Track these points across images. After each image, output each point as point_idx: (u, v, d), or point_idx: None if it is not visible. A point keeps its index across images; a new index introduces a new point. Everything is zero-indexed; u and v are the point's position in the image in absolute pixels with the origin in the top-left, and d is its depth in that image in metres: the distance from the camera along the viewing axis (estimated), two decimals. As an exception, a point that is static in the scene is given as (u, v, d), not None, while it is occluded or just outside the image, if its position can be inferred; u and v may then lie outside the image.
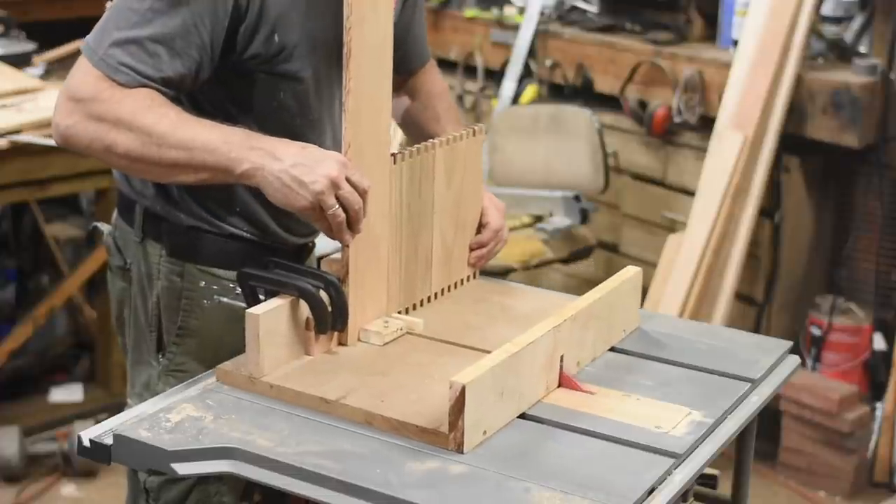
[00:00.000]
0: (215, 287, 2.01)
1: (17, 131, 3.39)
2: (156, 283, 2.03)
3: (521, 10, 4.59)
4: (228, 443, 1.63)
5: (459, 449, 1.61)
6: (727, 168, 3.76)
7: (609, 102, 4.28)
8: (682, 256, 3.82)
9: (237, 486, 1.98)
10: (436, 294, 2.10)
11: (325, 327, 1.84)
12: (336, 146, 1.96)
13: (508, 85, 4.53)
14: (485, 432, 1.65)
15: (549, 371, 1.79)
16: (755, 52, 3.78)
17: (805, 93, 3.76)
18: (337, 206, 1.77)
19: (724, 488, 2.09)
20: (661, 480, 1.60)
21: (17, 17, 4.19)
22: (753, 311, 3.96)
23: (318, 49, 1.94)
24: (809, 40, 3.80)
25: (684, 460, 1.66)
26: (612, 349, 1.98)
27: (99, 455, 1.67)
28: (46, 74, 3.92)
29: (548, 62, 4.44)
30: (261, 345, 1.76)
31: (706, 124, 3.93)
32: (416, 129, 2.27)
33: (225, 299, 1.98)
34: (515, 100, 4.50)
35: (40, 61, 3.99)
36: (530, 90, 4.46)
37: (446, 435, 1.62)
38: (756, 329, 3.86)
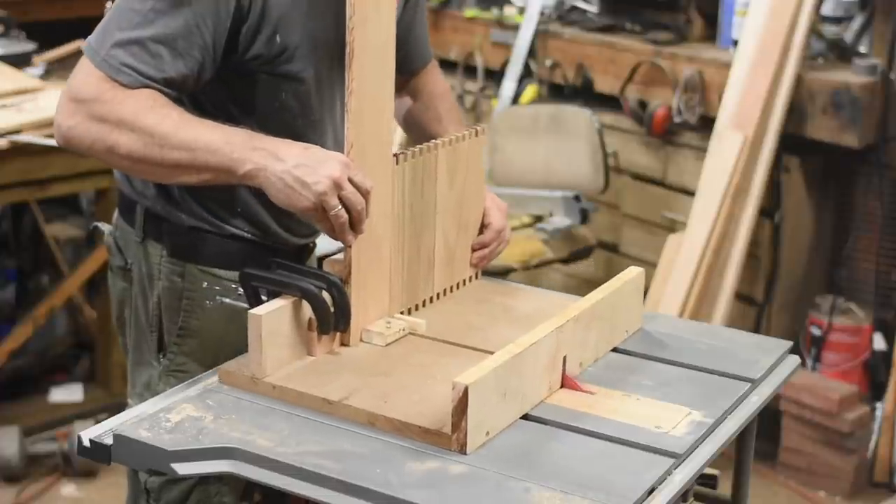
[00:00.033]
0: (217, 287, 2.01)
1: (17, 131, 3.39)
2: (157, 284, 2.03)
3: (521, 10, 4.58)
4: (228, 443, 1.63)
5: (462, 450, 1.61)
6: (727, 168, 3.76)
7: (609, 102, 4.27)
8: (682, 256, 3.82)
9: (237, 487, 1.98)
10: (438, 294, 2.10)
11: (327, 328, 1.84)
12: (337, 146, 1.97)
13: (508, 85, 4.52)
14: (488, 433, 1.65)
15: (551, 372, 1.79)
16: (755, 52, 3.78)
17: (805, 93, 3.76)
18: (340, 207, 1.77)
19: (724, 488, 2.09)
20: (661, 480, 1.60)
21: (17, 17, 4.18)
22: (753, 311, 3.96)
23: (319, 49, 1.94)
24: (809, 40, 3.80)
25: (684, 460, 1.66)
26: (615, 349, 1.98)
27: (99, 455, 1.66)
28: (46, 74, 3.91)
29: (548, 62, 4.44)
30: (263, 345, 1.76)
31: (706, 124, 3.93)
32: (418, 130, 2.27)
33: (227, 300, 1.98)
34: (515, 100, 4.49)
35: (40, 61, 3.98)
36: (530, 90, 4.45)
37: (449, 436, 1.62)
38: (756, 329, 3.86)
